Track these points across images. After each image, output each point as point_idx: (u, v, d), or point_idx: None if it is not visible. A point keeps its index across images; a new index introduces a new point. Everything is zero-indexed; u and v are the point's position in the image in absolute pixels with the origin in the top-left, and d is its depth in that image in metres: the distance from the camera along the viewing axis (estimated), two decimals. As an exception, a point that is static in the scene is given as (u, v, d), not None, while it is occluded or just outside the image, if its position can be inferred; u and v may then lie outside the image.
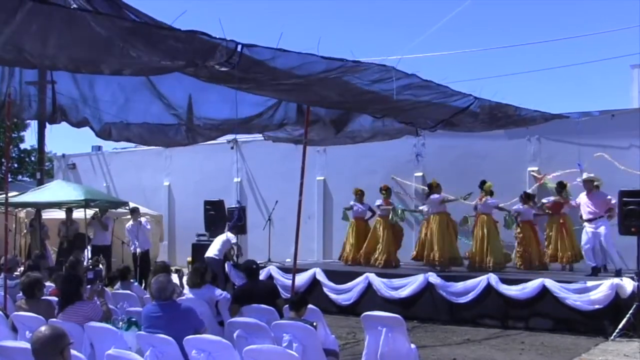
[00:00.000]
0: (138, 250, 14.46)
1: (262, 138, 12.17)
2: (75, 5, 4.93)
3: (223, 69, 5.95)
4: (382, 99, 7.72)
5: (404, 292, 11.06)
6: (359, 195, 13.78)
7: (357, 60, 6.63)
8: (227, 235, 12.79)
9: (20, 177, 33.73)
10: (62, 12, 4.81)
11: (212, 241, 13.91)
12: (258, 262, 8.41)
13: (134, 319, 6.05)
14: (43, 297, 6.79)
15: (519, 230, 12.39)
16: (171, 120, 9.40)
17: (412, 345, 6.48)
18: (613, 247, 11.16)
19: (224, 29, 5.49)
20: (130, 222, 14.86)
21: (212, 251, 12.47)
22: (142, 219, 15.13)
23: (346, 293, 11.64)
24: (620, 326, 9.38)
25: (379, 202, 13.35)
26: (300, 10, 53.66)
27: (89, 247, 14.38)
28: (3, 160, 21.87)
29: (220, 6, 49.61)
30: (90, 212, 14.84)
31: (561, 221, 12.25)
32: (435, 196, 12.44)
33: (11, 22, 4.63)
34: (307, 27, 51.41)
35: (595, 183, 11.46)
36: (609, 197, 11.15)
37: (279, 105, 9.07)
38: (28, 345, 3.85)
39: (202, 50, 5.65)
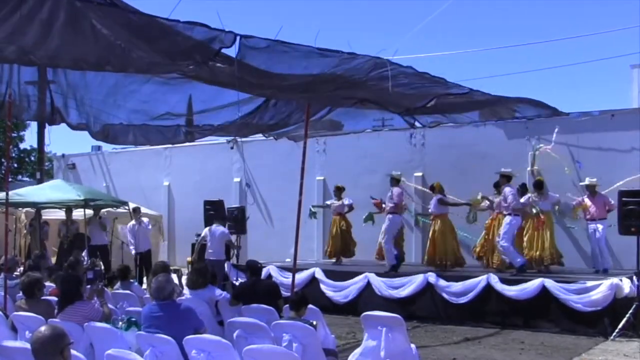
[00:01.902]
0: (135, 250, 14.49)
1: (262, 138, 12.15)
2: (78, 4, 4.93)
3: (224, 65, 5.94)
4: (378, 92, 7.72)
5: (403, 292, 11.06)
6: (341, 191, 14.02)
7: (353, 53, 6.67)
8: (221, 228, 12.21)
9: (20, 177, 33.73)
10: (64, 13, 4.82)
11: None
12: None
13: (133, 319, 6.06)
14: (43, 297, 6.79)
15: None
16: (170, 122, 9.39)
17: (412, 345, 6.48)
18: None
19: (222, 23, 5.52)
20: (132, 222, 14.82)
21: (212, 251, 12.08)
22: (145, 219, 15.14)
23: (346, 293, 11.63)
24: (620, 326, 9.38)
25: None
26: (289, 13, 53.69)
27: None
28: (3, 160, 21.92)
29: (214, 6, 49.59)
30: (89, 212, 14.86)
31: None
32: (554, 195, 11.78)
33: (15, 15, 4.65)
34: (299, 29, 51.43)
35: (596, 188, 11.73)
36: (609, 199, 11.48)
37: (267, 104, 9.05)
38: (28, 345, 3.85)
39: (203, 43, 5.66)
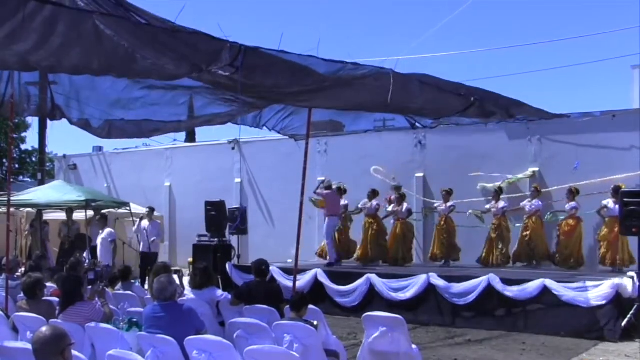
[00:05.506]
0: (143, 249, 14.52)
1: (263, 139, 12.10)
2: (82, 4, 4.90)
3: (226, 73, 5.91)
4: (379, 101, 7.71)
5: (405, 293, 11.04)
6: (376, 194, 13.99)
7: (356, 63, 6.64)
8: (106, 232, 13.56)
9: (21, 177, 33.75)
10: (67, 15, 4.80)
11: (212, 241, 13.86)
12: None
13: (135, 320, 6.06)
14: (44, 298, 6.81)
15: None
16: (172, 118, 9.37)
17: (414, 346, 6.48)
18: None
19: (224, 33, 5.49)
20: (146, 221, 14.77)
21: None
22: (158, 221, 15.19)
23: (349, 295, 11.60)
24: (621, 326, 9.37)
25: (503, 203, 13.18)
26: (296, 14, 53.68)
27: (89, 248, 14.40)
28: (4, 161, 21.93)
29: (214, 10, 49.64)
30: (90, 213, 14.86)
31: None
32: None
33: (13, 21, 4.62)
34: (304, 31, 51.44)
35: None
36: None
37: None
38: (29, 346, 3.85)
39: (206, 54, 5.64)
